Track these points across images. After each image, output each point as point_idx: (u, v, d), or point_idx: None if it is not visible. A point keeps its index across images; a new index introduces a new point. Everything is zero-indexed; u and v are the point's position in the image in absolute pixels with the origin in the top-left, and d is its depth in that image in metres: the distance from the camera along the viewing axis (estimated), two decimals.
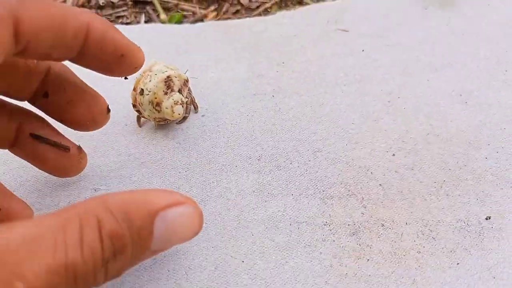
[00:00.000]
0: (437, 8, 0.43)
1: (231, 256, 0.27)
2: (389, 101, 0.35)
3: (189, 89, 0.33)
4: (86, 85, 0.27)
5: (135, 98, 0.32)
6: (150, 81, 0.31)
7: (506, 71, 0.38)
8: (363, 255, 0.27)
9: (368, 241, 0.28)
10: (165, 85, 0.31)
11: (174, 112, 0.31)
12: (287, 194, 0.30)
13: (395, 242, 0.28)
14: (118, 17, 0.48)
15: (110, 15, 0.48)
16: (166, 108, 0.31)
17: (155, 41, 0.40)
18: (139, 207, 0.19)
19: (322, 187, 0.30)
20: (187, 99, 0.32)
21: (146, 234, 0.19)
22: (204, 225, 0.28)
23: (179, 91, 0.31)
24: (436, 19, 0.42)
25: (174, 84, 0.31)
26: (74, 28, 0.22)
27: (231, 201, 0.29)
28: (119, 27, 0.42)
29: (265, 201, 0.29)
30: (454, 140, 0.33)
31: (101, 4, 0.48)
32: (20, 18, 0.20)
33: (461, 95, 0.36)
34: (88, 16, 0.23)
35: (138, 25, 0.44)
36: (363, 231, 0.28)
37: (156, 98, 0.31)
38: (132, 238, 0.19)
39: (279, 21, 0.42)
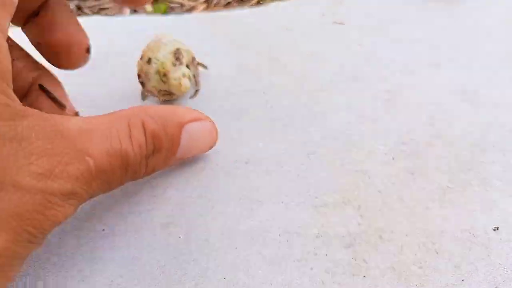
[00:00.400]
0: (438, 1, 0.40)
1: (213, 271, 0.24)
2: (388, 100, 0.32)
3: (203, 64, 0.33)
4: (78, 22, 0.28)
5: (142, 67, 0.30)
6: (159, 51, 0.30)
7: None
8: (359, 271, 0.24)
9: (364, 254, 0.25)
10: (174, 56, 0.30)
11: (181, 85, 0.30)
12: (277, 202, 0.27)
13: (394, 255, 0.25)
14: (102, 9, 0.45)
15: (93, 7, 0.45)
16: (174, 79, 0.30)
17: (139, 34, 0.37)
18: (172, 117, 0.24)
19: (315, 194, 0.27)
20: (194, 76, 0.32)
21: (176, 140, 0.24)
22: (183, 236, 0.25)
23: (187, 66, 0.30)
24: (438, 12, 0.39)
25: (183, 57, 0.30)
26: None
27: (215, 210, 0.26)
28: (103, 18, 0.39)
29: (252, 210, 0.26)
30: (459, 143, 0.30)
31: None
32: None
33: (466, 93, 0.33)
34: None
35: (118, 17, 0.41)
36: (359, 243, 0.25)
37: (163, 68, 0.30)
38: (167, 142, 0.23)
39: (271, 12, 0.39)
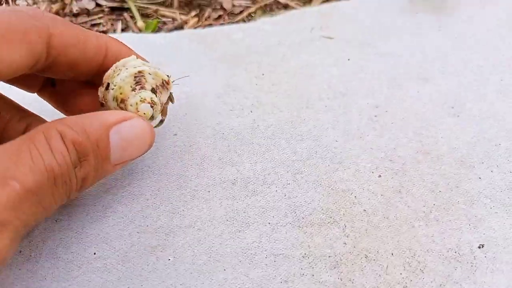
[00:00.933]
0: (428, 13, 0.40)
1: None
2: (375, 116, 0.33)
3: (170, 97, 0.29)
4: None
5: (103, 95, 0.28)
6: (118, 74, 0.27)
7: (501, 80, 0.35)
8: None
9: (350, 275, 0.25)
10: (134, 80, 0.27)
11: (138, 111, 0.26)
12: (264, 223, 0.27)
13: (379, 275, 0.25)
14: (94, 25, 0.46)
15: (85, 23, 0.46)
16: (131, 105, 0.26)
17: None
18: (93, 122, 0.23)
19: (302, 214, 0.28)
20: (162, 102, 0.28)
21: (104, 144, 0.23)
22: (171, 259, 0.26)
23: (153, 90, 0.27)
24: (427, 25, 0.39)
25: (146, 81, 0.27)
26: (95, 46, 0.26)
27: (202, 232, 0.27)
28: None
29: (239, 231, 0.27)
30: (445, 159, 0.30)
31: (76, 12, 0.46)
32: (53, 32, 0.23)
33: (453, 107, 0.33)
34: (105, 36, 0.27)
35: (113, 35, 0.42)
36: (345, 264, 0.26)
37: (121, 93, 0.26)
38: (92, 147, 0.22)
39: (260, 28, 0.39)
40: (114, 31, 0.45)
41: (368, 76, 0.35)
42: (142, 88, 0.27)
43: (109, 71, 0.27)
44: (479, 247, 0.27)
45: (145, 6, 0.47)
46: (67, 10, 0.46)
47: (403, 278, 0.25)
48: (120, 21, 0.46)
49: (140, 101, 0.26)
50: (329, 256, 0.26)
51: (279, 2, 0.49)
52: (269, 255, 0.26)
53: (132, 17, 0.46)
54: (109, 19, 0.46)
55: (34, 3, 0.47)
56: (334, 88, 0.34)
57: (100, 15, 0.47)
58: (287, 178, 0.29)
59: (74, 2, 0.47)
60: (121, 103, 0.26)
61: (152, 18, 0.47)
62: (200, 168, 0.30)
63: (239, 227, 0.27)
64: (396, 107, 0.33)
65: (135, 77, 0.27)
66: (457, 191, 0.29)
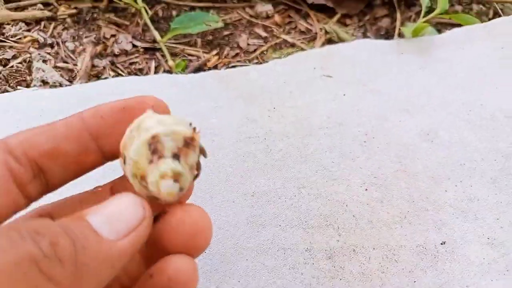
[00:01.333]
0: (414, 54, 0.51)
1: (229, 277, 0.35)
2: (365, 141, 0.43)
3: (202, 150, 0.25)
4: None
5: (124, 169, 0.24)
6: (132, 144, 0.23)
7: (470, 111, 0.45)
8: (337, 275, 0.35)
9: (341, 263, 0.35)
10: (149, 149, 0.22)
11: (160, 191, 0.22)
12: (276, 225, 0.38)
13: (363, 264, 0.35)
14: (131, 63, 0.57)
15: (124, 62, 0.57)
16: (152, 185, 0.23)
17: (162, 91, 0.49)
18: (68, 217, 0.21)
19: (305, 219, 0.38)
20: (191, 165, 0.23)
21: (80, 224, 0.21)
22: (206, 252, 0.36)
23: (175, 156, 0.23)
24: (411, 65, 0.50)
25: (163, 147, 0.23)
26: (65, 121, 0.24)
27: (229, 232, 0.37)
28: (132, 78, 0.51)
29: (257, 231, 0.37)
30: (420, 176, 0.41)
31: (116, 53, 0.57)
32: (11, 148, 0.23)
33: (428, 134, 0.44)
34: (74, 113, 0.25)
35: (148, 76, 0.53)
36: (337, 255, 0.36)
37: (139, 169, 0.23)
38: (61, 226, 0.20)
39: (272, 68, 0.50)
40: (149, 68, 0.57)
41: (360, 109, 0.46)
42: (160, 157, 0.22)
43: (124, 138, 0.24)
44: (441, 244, 0.36)
45: (173, 46, 0.59)
46: (108, 50, 0.58)
47: (381, 266, 0.35)
48: (153, 60, 0.57)
49: (160, 177, 0.22)
50: (326, 250, 0.36)
51: (287, 41, 0.60)
52: (280, 249, 0.36)
53: (163, 56, 0.58)
54: (144, 58, 0.58)
55: (80, 44, 0.59)
56: (332, 118, 0.45)
57: (136, 54, 0.58)
58: (294, 191, 0.40)
59: (115, 44, 0.58)
60: (142, 181, 0.23)
61: (179, 56, 0.58)
62: (226, 184, 0.40)
63: (257, 228, 0.37)
64: (382, 135, 0.44)
65: (149, 145, 0.22)
66: (427, 201, 0.39)
